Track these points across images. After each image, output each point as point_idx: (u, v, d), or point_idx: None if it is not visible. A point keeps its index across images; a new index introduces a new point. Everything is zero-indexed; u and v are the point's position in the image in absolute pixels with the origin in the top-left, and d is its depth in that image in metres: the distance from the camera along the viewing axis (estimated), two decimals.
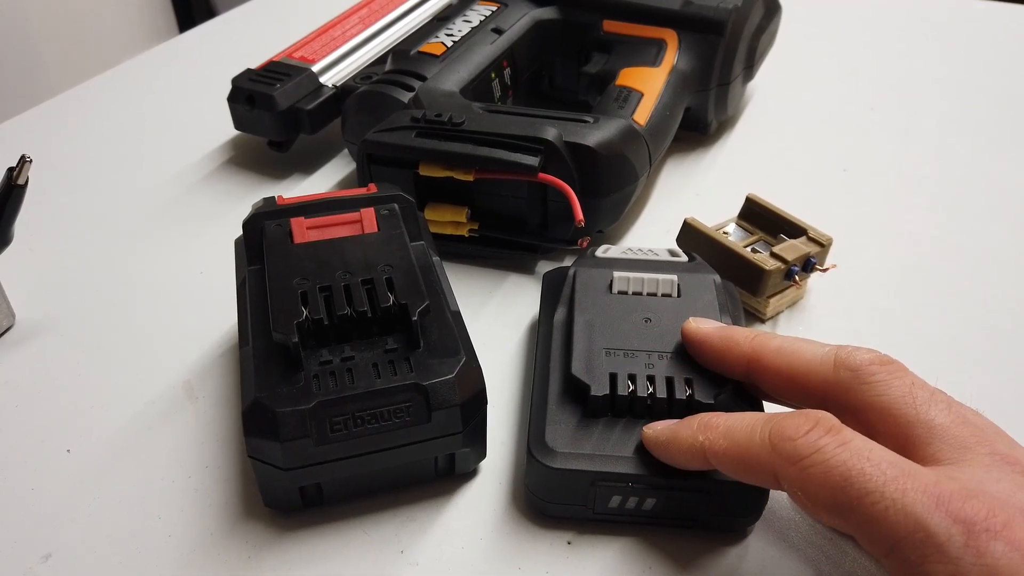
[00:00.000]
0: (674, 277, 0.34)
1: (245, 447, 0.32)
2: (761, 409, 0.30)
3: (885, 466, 0.23)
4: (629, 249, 0.37)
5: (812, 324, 0.39)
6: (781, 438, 0.24)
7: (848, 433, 0.24)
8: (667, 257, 0.36)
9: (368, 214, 0.34)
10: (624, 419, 0.30)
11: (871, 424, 0.25)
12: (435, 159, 0.40)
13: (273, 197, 0.36)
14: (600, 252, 0.37)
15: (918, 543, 0.21)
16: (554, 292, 0.36)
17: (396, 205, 0.35)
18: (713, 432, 0.27)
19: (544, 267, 0.42)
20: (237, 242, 0.36)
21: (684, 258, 0.37)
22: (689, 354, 0.31)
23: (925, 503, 0.22)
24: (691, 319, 0.31)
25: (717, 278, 0.35)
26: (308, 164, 0.52)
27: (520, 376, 0.37)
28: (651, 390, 0.30)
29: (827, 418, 0.24)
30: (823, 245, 0.39)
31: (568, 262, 0.41)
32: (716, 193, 0.48)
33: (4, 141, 0.56)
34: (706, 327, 0.30)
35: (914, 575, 0.22)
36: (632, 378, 0.30)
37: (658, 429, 0.28)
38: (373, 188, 0.36)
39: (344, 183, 0.50)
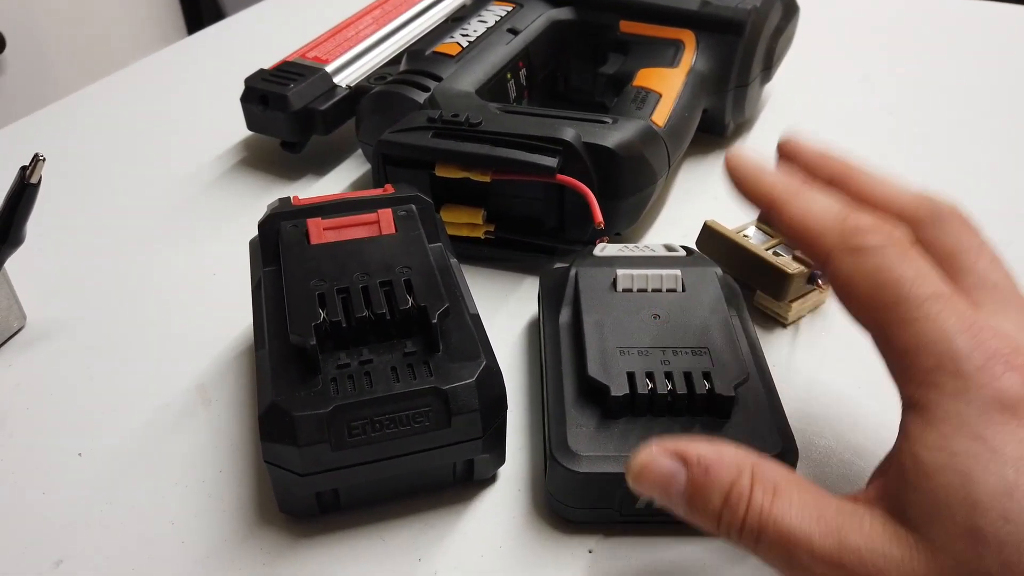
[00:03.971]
0: (677, 271, 0.34)
1: (260, 452, 0.32)
2: (785, 421, 0.30)
3: (935, 287, 0.23)
4: (625, 246, 0.37)
5: (834, 329, 0.38)
6: (856, 229, 0.25)
7: (915, 252, 0.24)
8: (664, 252, 0.36)
9: (386, 215, 0.33)
10: (644, 418, 0.29)
11: (931, 255, 0.25)
12: (452, 160, 0.39)
13: (288, 197, 0.35)
14: (598, 251, 0.36)
15: (938, 353, 0.22)
16: (555, 293, 0.35)
17: (414, 206, 0.34)
18: (794, 185, 0.27)
19: None
20: (252, 243, 0.35)
21: (681, 252, 0.36)
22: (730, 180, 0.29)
23: (958, 324, 0.22)
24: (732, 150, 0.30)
25: (718, 270, 0.35)
26: (321, 165, 0.51)
27: (527, 379, 0.36)
28: (670, 387, 0.29)
29: (904, 233, 0.25)
30: None
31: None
32: (735, 196, 0.47)
33: (16, 141, 0.55)
34: (746, 159, 0.29)
35: (920, 380, 0.22)
36: (650, 375, 0.30)
37: (744, 156, 0.28)
38: (390, 189, 0.35)
39: (358, 183, 0.49)
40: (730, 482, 0.23)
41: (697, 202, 0.47)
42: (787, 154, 0.30)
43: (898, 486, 0.22)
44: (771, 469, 0.23)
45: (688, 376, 0.30)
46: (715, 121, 0.50)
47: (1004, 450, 0.21)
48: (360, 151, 0.52)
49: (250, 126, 0.50)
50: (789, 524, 0.22)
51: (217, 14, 1.64)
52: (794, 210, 0.26)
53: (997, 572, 0.20)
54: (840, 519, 0.22)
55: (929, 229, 0.26)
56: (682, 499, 0.24)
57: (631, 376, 0.30)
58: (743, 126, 0.53)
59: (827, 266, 0.25)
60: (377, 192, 0.35)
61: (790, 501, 0.22)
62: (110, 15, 1.62)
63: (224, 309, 0.40)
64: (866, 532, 0.21)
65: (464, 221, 0.41)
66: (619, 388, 0.29)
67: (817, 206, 0.26)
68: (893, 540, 0.21)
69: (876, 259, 0.24)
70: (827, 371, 0.36)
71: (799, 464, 0.29)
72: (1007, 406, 0.21)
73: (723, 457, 0.24)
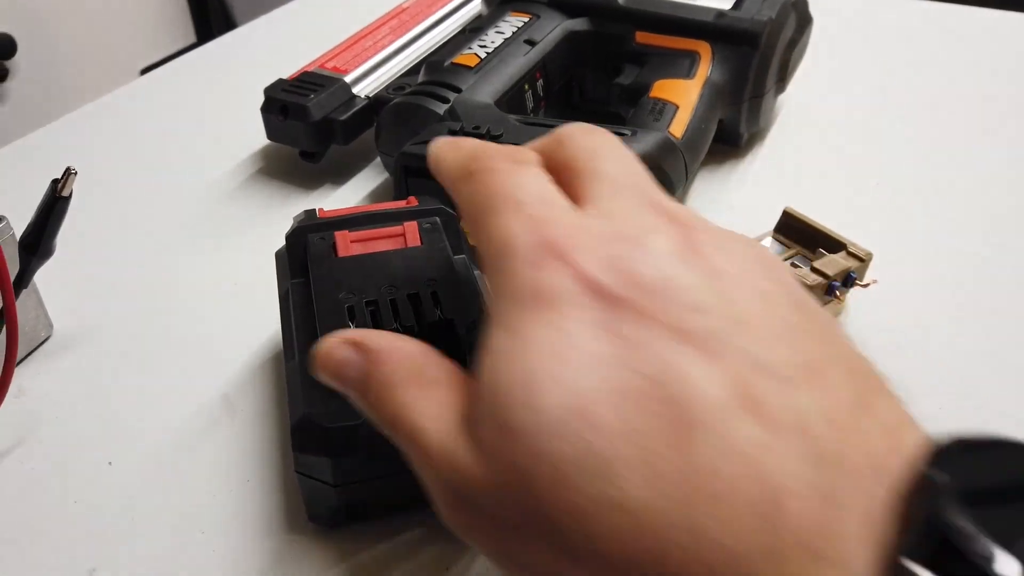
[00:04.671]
0: None
1: (286, 461, 0.33)
2: None
3: (529, 196, 0.23)
4: None
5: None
6: (472, 156, 0.25)
7: (529, 168, 0.24)
8: None
9: (411, 227, 0.34)
10: None
11: (557, 177, 0.25)
12: None
13: (314, 210, 0.36)
14: None
15: (498, 253, 0.22)
16: None
17: (438, 218, 0.35)
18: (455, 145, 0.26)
19: None
20: (279, 254, 0.36)
21: None
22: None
23: (527, 224, 0.22)
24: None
25: None
26: (340, 174, 0.52)
27: None
28: None
29: (524, 153, 0.25)
30: (863, 260, 0.38)
31: None
32: (750, 206, 0.48)
33: (35, 152, 0.56)
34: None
35: (492, 282, 0.22)
36: None
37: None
38: (414, 201, 0.36)
39: (376, 193, 0.50)
40: (392, 374, 0.23)
41: (712, 212, 0.47)
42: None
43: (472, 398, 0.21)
44: (436, 365, 0.23)
45: None
46: (729, 131, 0.50)
47: (531, 338, 0.20)
48: (378, 160, 0.52)
49: (270, 135, 0.50)
50: (414, 421, 0.22)
51: (227, 21, 1.65)
52: (448, 153, 0.26)
53: (530, 464, 0.18)
54: (456, 434, 0.21)
55: (554, 153, 0.25)
56: (354, 387, 0.24)
57: None
58: (757, 135, 0.54)
59: (452, 198, 0.25)
60: (401, 204, 0.36)
61: (430, 399, 0.22)
62: (118, 19, 1.63)
63: (246, 318, 0.40)
64: (461, 450, 0.21)
65: None
66: None
67: (470, 146, 0.26)
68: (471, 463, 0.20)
69: (485, 180, 0.24)
70: None
71: None
72: (544, 297, 0.20)
73: (398, 349, 0.24)
